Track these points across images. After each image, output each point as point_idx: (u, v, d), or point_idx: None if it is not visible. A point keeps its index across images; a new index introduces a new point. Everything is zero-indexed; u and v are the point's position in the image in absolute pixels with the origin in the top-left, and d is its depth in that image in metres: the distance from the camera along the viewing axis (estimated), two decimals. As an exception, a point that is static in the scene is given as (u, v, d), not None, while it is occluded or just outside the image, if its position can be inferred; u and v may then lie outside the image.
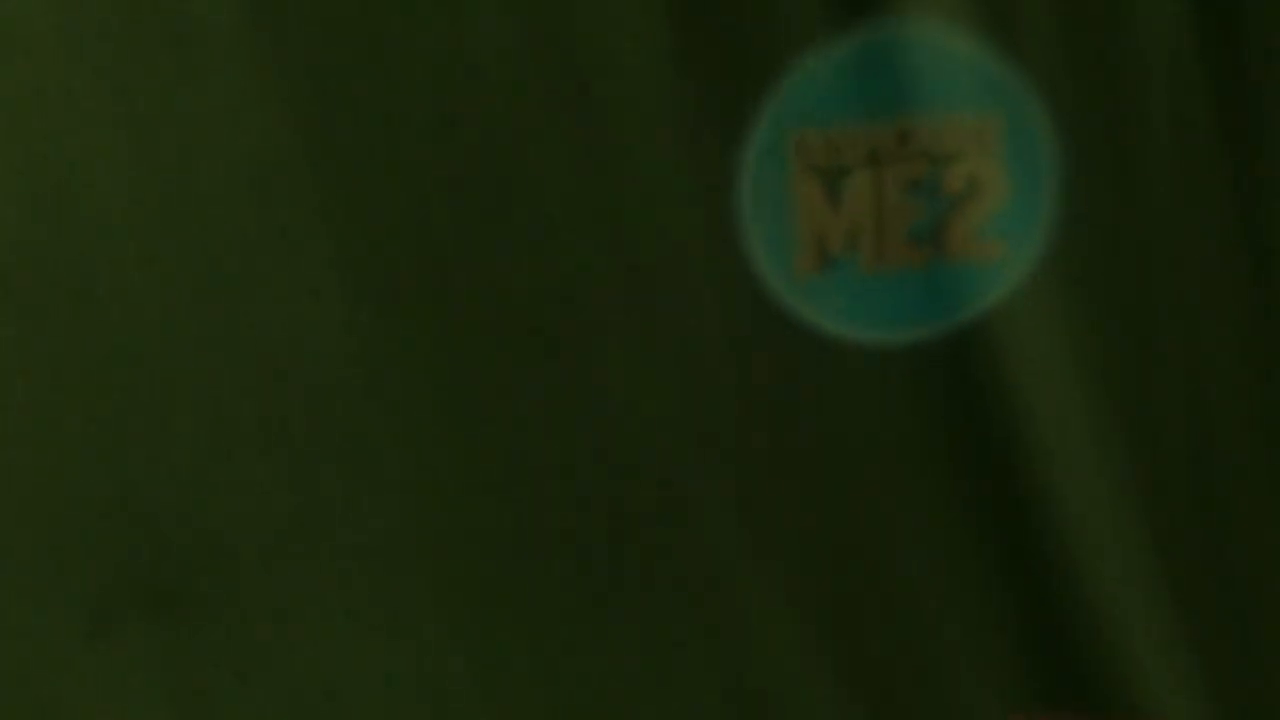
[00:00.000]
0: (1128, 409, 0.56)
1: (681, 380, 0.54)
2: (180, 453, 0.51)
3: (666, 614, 0.54)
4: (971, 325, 0.55)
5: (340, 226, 0.51)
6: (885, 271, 0.53)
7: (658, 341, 0.54)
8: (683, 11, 0.52)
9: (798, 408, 0.55)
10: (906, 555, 0.56)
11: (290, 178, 0.50)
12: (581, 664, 0.54)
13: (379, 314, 0.52)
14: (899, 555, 0.56)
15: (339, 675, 0.52)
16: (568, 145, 0.52)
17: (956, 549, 0.55)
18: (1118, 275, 0.57)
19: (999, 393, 0.55)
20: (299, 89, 0.50)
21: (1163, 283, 0.58)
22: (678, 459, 0.54)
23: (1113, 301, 0.56)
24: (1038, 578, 0.54)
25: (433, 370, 0.52)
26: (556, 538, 0.53)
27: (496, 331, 0.53)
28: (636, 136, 0.53)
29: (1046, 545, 0.54)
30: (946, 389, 0.56)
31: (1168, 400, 0.58)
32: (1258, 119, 0.59)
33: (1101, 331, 0.56)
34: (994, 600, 0.55)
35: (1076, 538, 0.55)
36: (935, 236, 0.52)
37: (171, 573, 0.51)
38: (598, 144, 0.52)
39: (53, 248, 0.49)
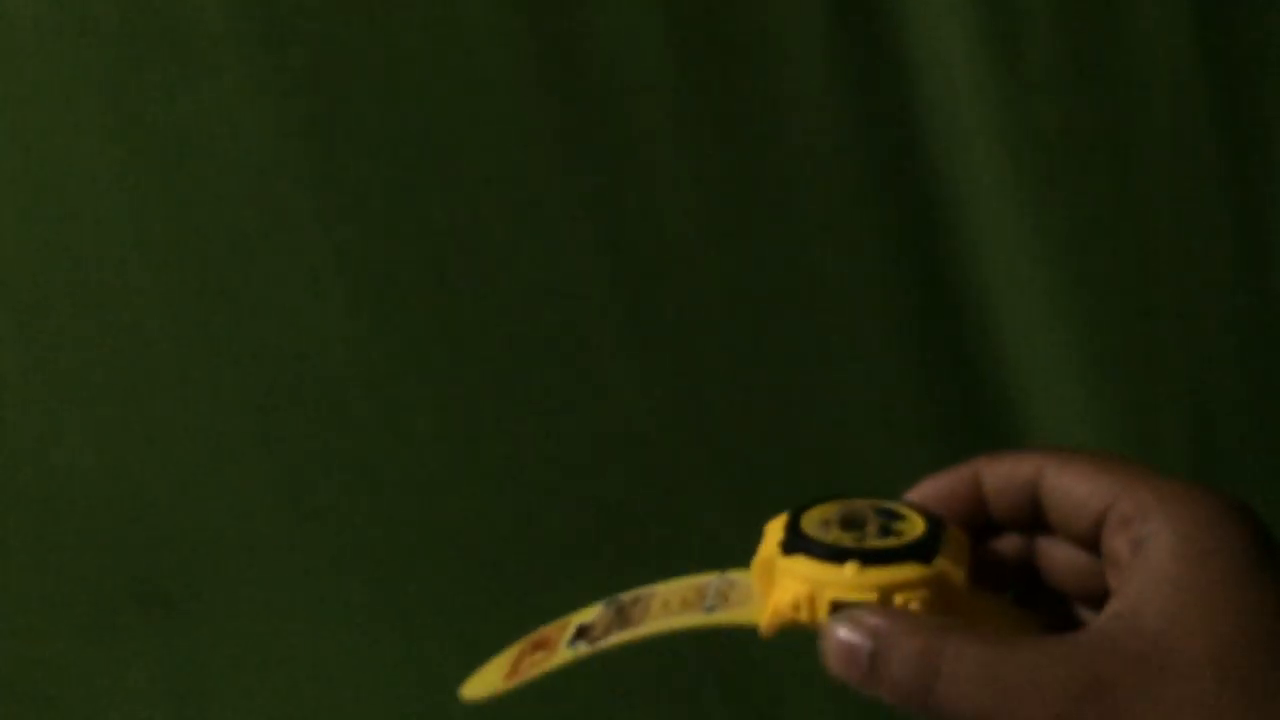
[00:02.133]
0: (1129, 410, 0.56)
1: (681, 380, 0.53)
2: (178, 453, 0.50)
3: None
4: (974, 327, 0.56)
5: (339, 227, 0.50)
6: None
7: (657, 341, 0.53)
8: (683, 12, 0.52)
9: (798, 408, 0.55)
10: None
11: (289, 178, 0.49)
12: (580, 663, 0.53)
13: (378, 314, 0.51)
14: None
15: (335, 673, 0.51)
16: (568, 145, 0.51)
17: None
18: (1119, 275, 0.57)
19: (1001, 394, 0.56)
20: (297, 89, 0.49)
21: (1163, 282, 0.58)
22: (678, 459, 0.53)
23: (1114, 300, 0.57)
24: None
25: (431, 370, 0.51)
26: (555, 537, 0.53)
27: (495, 331, 0.52)
28: (637, 136, 0.52)
29: None
30: (949, 391, 0.56)
31: (1168, 399, 0.58)
32: (1257, 120, 0.59)
33: (1103, 331, 0.56)
34: None
35: None
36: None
37: (169, 572, 0.50)
38: (598, 144, 0.52)
39: (52, 248, 0.48)
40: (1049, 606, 0.30)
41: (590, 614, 0.31)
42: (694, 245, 0.53)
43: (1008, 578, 0.31)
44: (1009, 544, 0.31)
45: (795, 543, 0.29)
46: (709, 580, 0.30)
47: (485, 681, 0.31)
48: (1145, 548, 0.25)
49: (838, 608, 0.27)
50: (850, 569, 0.27)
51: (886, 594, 0.27)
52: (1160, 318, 0.59)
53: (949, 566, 0.28)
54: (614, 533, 0.54)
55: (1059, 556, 0.30)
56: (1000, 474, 0.29)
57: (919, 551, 0.28)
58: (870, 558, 0.28)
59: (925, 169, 0.56)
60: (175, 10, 0.48)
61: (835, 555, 0.28)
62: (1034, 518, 0.29)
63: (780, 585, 0.28)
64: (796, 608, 0.28)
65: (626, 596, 0.31)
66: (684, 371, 0.54)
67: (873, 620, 0.26)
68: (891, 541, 0.28)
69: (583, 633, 0.31)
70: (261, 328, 0.50)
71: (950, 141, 0.56)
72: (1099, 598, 0.27)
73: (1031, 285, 0.56)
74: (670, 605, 0.30)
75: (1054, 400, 0.56)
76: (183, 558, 0.50)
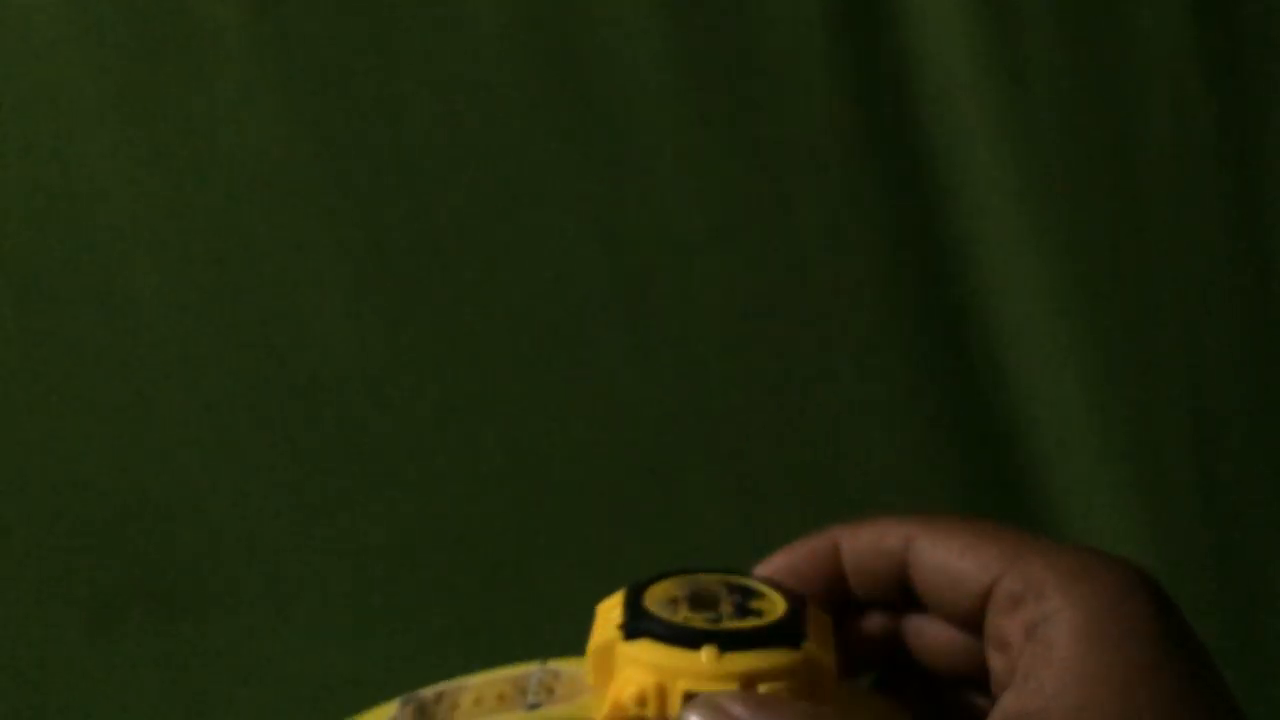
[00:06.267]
0: (1130, 411, 0.56)
1: (681, 378, 0.53)
2: (181, 451, 0.50)
3: None
4: (973, 326, 0.56)
5: (343, 224, 0.50)
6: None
7: (657, 339, 0.53)
8: (684, 13, 0.52)
9: (798, 406, 0.55)
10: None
11: (294, 176, 0.49)
12: None
13: (382, 312, 0.51)
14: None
15: (339, 674, 0.51)
16: (568, 144, 0.52)
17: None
18: (1119, 274, 0.56)
19: (1002, 394, 0.56)
20: (303, 87, 0.49)
21: (1164, 281, 0.57)
22: (677, 455, 0.53)
23: (1114, 300, 0.56)
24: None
25: (434, 370, 0.51)
26: (556, 535, 0.53)
27: (497, 331, 0.52)
28: (637, 137, 0.52)
29: None
30: (948, 390, 0.56)
31: (1170, 401, 0.58)
32: (1257, 119, 0.58)
33: (1104, 333, 0.56)
34: None
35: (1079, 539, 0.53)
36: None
37: (172, 571, 0.50)
38: (598, 143, 0.52)
39: (57, 247, 0.48)
40: (916, 688, 0.28)
41: (384, 715, 0.27)
42: (694, 245, 0.53)
43: (871, 660, 0.28)
44: (872, 623, 0.28)
45: (639, 625, 0.24)
46: (529, 671, 0.26)
47: None
48: (1044, 633, 0.22)
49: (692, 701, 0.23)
50: (707, 655, 0.23)
51: (749, 684, 0.23)
52: (1161, 316, 0.58)
53: (818, 651, 0.24)
54: (614, 532, 0.53)
55: (931, 635, 0.27)
56: (862, 546, 0.26)
57: (784, 634, 0.24)
58: (729, 641, 0.24)
59: (925, 169, 0.56)
60: (184, 10, 0.48)
61: (689, 639, 0.24)
62: (902, 594, 0.26)
63: (622, 675, 0.24)
64: (642, 702, 0.24)
65: (429, 693, 0.27)
66: (684, 371, 0.54)
67: (736, 709, 0.22)
68: (752, 622, 0.25)
69: None
70: (265, 326, 0.50)
71: (950, 141, 0.55)
72: (977, 678, 0.25)
73: (1031, 285, 0.56)
74: (484, 702, 0.26)
75: (1054, 399, 0.56)
76: (186, 556, 0.50)
